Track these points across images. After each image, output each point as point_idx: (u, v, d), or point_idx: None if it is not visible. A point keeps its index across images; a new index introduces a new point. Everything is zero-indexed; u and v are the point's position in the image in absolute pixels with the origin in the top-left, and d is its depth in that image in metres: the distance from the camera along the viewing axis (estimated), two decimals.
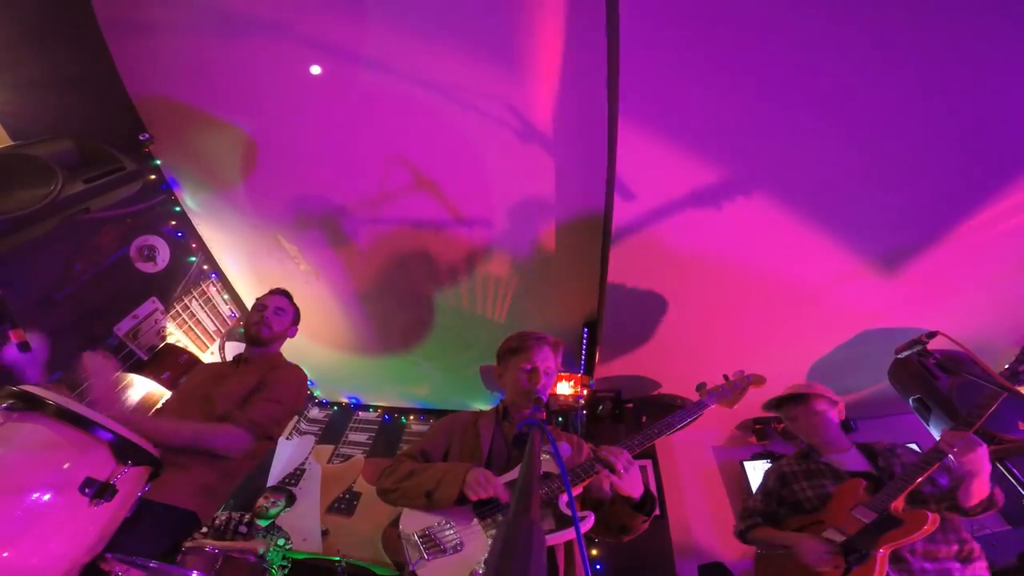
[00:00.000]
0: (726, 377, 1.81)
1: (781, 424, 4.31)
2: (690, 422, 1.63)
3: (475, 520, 1.37)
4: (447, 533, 1.35)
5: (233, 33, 2.58)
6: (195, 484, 1.68)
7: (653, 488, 4.09)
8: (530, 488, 0.56)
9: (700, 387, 1.80)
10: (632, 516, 1.43)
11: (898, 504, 1.75)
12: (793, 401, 2.23)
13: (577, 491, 1.43)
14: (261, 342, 2.16)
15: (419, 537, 1.35)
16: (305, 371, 2.19)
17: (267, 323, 2.16)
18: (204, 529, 3.34)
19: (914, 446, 3.79)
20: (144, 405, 3.27)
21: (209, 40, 2.64)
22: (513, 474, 1.48)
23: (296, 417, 5.20)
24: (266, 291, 2.34)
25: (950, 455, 1.71)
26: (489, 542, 1.31)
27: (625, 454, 1.40)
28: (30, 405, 1.08)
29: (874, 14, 1.75)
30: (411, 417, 5.30)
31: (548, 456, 1.40)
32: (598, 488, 1.54)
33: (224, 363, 2.22)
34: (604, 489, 1.52)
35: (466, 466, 1.45)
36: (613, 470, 1.36)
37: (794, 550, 1.85)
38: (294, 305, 2.34)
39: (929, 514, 1.67)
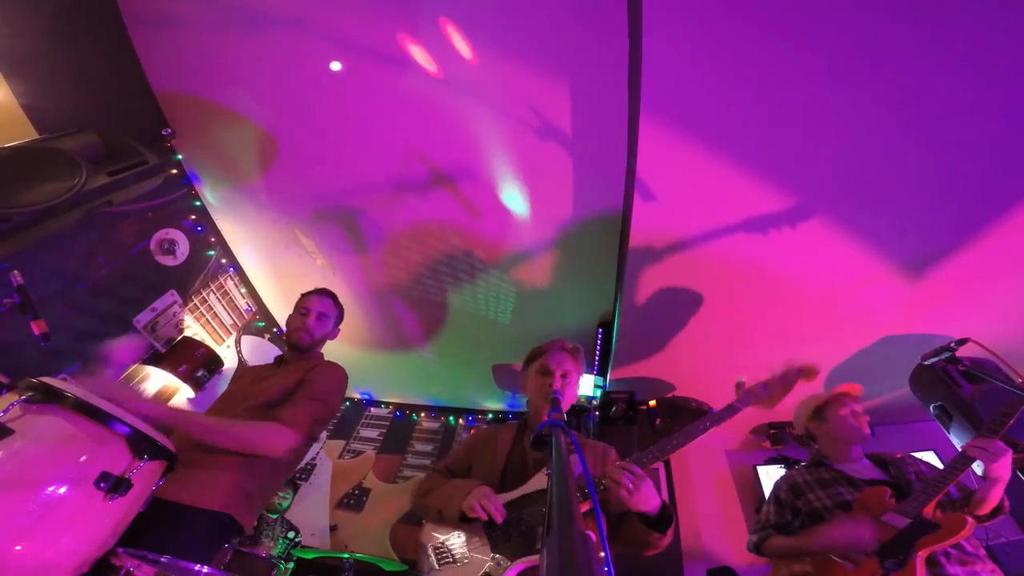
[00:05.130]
0: (771, 374, 1.62)
1: (796, 430, 4.26)
2: (713, 426, 1.52)
3: (483, 536, 1.43)
4: (457, 547, 1.43)
5: (255, 28, 2.59)
6: (234, 487, 1.64)
7: (664, 492, 4.04)
8: (568, 497, 0.53)
9: (739, 385, 1.64)
10: (646, 532, 1.40)
11: (929, 509, 1.74)
12: (830, 404, 2.23)
13: (584, 508, 1.39)
14: (301, 349, 2.10)
15: (433, 549, 1.45)
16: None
17: (308, 330, 2.09)
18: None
19: (932, 455, 3.71)
20: (160, 398, 3.31)
21: (231, 35, 2.66)
22: (528, 487, 1.50)
23: None
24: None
25: (979, 461, 1.72)
26: (493, 555, 1.37)
27: (634, 469, 1.36)
28: (49, 397, 1.08)
29: (915, 16, 1.70)
30: (422, 414, 5.31)
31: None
32: (617, 502, 1.44)
33: (265, 365, 2.18)
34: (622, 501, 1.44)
35: (472, 485, 1.51)
36: (622, 487, 1.34)
37: (827, 541, 1.83)
38: (338, 306, 2.26)
39: (968, 518, 1.67)
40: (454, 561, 1.39)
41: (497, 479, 1.59)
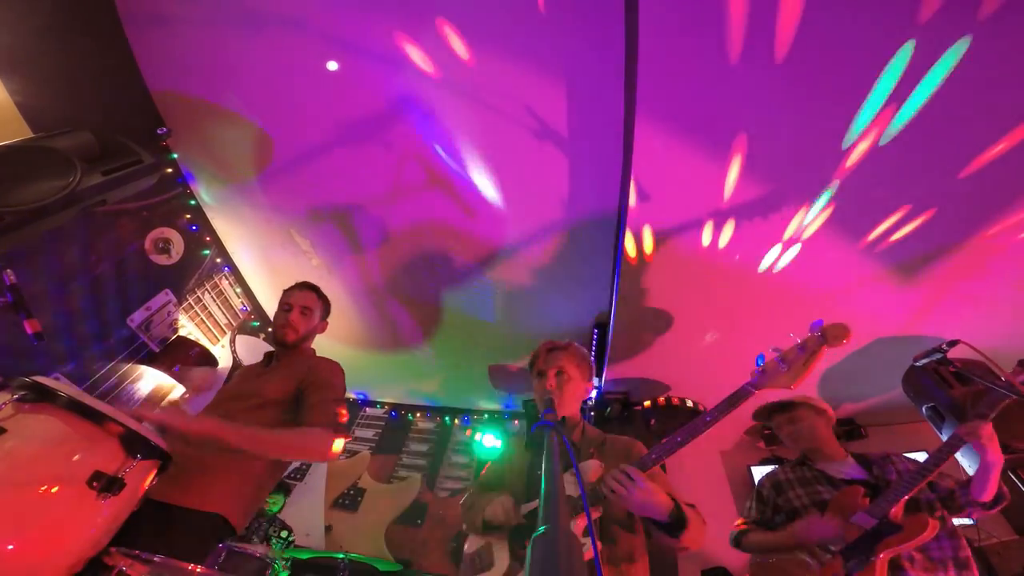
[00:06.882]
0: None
1: None
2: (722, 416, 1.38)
3: (505, 543, 1.51)
4: (487, 554, 1.53)
5: (251, 28, 2.59)
6: (226, 487, 1.64)
7: None
8: (555, 495, 0.54)
9: (759, 360, 1.44)
10: (659, 535, 1.34)
11: (897, 511, 1.74)
12: (779, 410, 2.28)
13: (596, 514, 1.38)
14: (288, 346, 2.06)
15: (470, 558, 1.56)
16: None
17: (292, 326, 2.05)
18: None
19: (925, 456, 3.73)
20: (154, 398, 3.30)
21: (228, 35, 2.65)
22: None
23: None
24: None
25: (973, 443, 1.73)
26: (511, 562, 1.46)
27: (630, 473, 1.29)
28: (42, 396, 1.08)
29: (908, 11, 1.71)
30: (418, 414, 5.31)
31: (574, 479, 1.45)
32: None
33: (255, 364, 2.16)
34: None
35: (497, 497, 1.59)
36: (617, 494, 1.27)
37: (795, 538, 1.87)
38: (322, 298, 2.22)
39: (929, 520, 1.67)
40: (483, 567, 1.50)
41: (523, 489, 1.60)
